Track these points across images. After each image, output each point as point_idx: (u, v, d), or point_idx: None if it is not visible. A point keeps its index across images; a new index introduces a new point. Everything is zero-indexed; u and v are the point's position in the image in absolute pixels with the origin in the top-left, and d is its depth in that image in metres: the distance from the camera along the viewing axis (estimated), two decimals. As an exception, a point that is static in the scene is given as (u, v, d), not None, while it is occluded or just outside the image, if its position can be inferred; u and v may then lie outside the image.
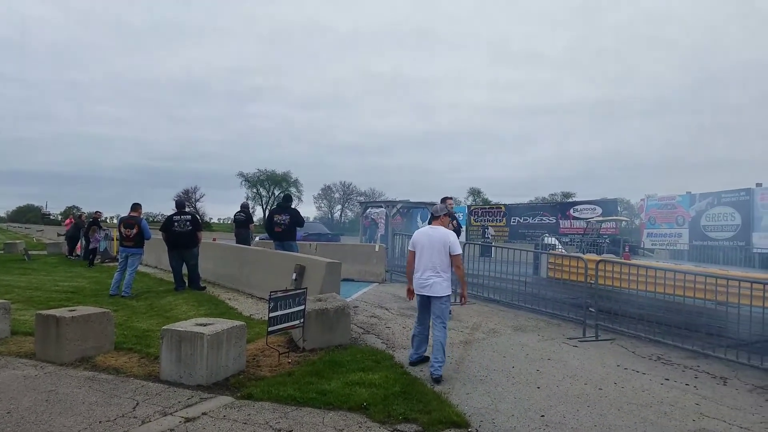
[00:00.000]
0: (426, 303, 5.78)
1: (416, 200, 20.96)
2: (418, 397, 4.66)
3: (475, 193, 73.66)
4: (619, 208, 35.04)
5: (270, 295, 5.68)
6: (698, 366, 6.27)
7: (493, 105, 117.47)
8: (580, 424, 4.32)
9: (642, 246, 24.02)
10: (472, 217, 33.04)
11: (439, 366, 5.39)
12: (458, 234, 8.64)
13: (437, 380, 5.28)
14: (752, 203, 19.91)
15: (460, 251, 5.79)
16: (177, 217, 10.80)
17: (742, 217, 20.20)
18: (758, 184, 20.06)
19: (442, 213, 6.00)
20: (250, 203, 68.89)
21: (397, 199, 22.05)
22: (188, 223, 10.80)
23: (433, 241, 5.71)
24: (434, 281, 5.62)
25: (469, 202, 63.62)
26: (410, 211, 23.35)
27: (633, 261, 11.77)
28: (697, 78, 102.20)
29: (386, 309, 9.12)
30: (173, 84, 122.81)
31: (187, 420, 4.12)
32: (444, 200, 8.64)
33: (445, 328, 5.61)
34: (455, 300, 8.32)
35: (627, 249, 20.40)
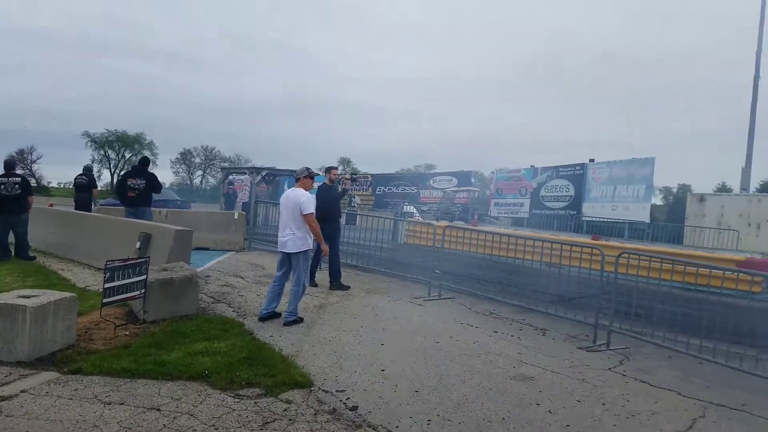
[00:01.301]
0: (285, 260, 6.27)
1: (283, 168, 20.57)
2: (264, 362, 4.67)
3: (345, 162, 74.23)
4: (473, 180, 37.52)
5: (106, 265, 5.28)
6: (524, 319, 7.05)
7: (366, 77, 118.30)
8: (415, 375, 4.65)
9: (489, 214, 26.06)
10: (341, 186, 33.41)
11: (290, 315, 6.02)
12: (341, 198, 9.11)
13: (288, 324, 5.95)
14: (585, 177, 22.43)
15: (309, 210, 6.12)
16: (4, 179, 9.51)
17: (575, 189, 22.71)
18: (591, 160, 22.63)
19: (302, 175, 6.39)
20: (96, 167, 62.45)
21: (263, 166, 21.44)
22: (17, 186, 9.56)
23: (289, 201, 6.19)
24: (289, 239, 6.12)
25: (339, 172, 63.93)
26: (276, 179, 22.90)
27: (477, 227, 12.74)
28: (546, 62, 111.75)
29: (241, 277, 8.93)
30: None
31: (2, 399, 3.72)
32: (328, 170, 8.89)
33: (300, 282, 6.10)
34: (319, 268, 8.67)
35: (476, 216, 22.05)
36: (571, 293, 7.68)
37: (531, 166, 25.43)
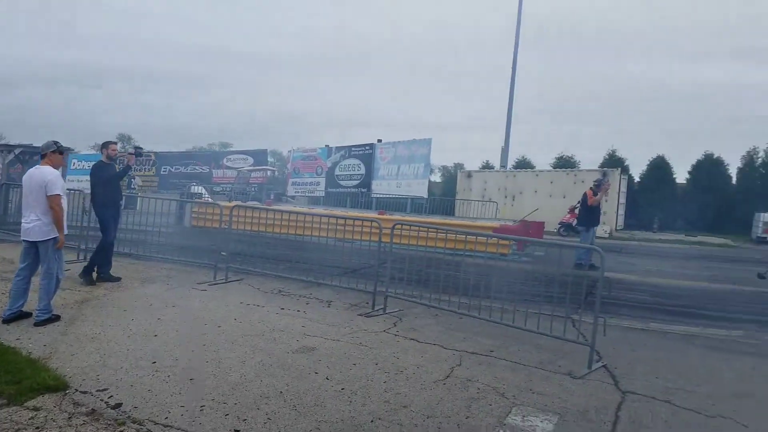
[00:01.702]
0: (30, 250, 5.41)
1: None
2: (6, 368, 3.98)
3: (124, 139, 66.86)
4: (270, 159, 37.06)
5: None
6: (311, 294, 7.19)
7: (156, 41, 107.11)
8: (191, 363, 4.40)
9: (287, 194, 26.08)
10: (118, 165, 30.03)
11: (42, 313, 5.25)
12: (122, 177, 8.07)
13: (40, 324, 5.19)
14: (374, 156, 23.69)
15: (56, 192, 5.29)
16: None
17: (365, 168, 23.87)
18: (379, 140, 23.97)
19: (48, 150, 5.49)
20: None
21: (15, 143, 18.11)
22: None
23: (33, 181, 5.32)
24: (34, 225, 5.28)
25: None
26: (35, 158, 19.63)
27: (271, 207, 12.62)
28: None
29: (-18, 275, 7.47)
30: None
31: None
32: (106, 145, 7.68)
33: (51, 275, 5.32)
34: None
35: (272, 197, 21.90)
36: (356, 265, 8.08)
37: (326, 145, 26.02)
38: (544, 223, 13.44)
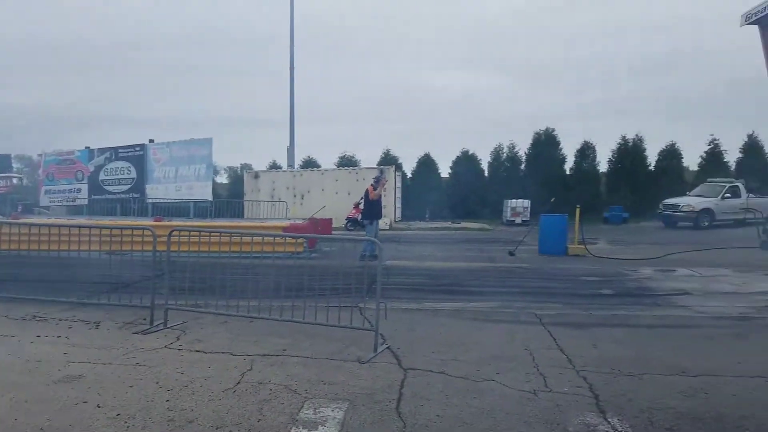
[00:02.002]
0: None
1: None
2: None
3: None
4: (16, 165, 31.52)
5: None
6: (74, 316, 6.29)
7: None
8: None
9: (39, 204, 22.47)
10: None
11: None
12: None
13: None
14: (146, 158, 21.72)
15: None
16: None
17: (137, 171, 21.76)
18: (151, 140, 22.05)
19: None
20: None
21: None
22: None
23: None
24: None
25: None
26: None
27: (19, 220, 10.74)
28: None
29: None
30: None
31: None
32: None
33: None
34: None
35: (19, 208, 18.63)
36: (129, 279, 7.30)
37: (86, 147, 23.02)
38: (332, 219, 13.91)
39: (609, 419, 3.59)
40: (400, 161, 28.37)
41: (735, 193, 20.11)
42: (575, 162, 27.50)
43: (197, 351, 5.07)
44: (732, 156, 26.57)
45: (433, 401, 3.91)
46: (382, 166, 23.97)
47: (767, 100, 16.08)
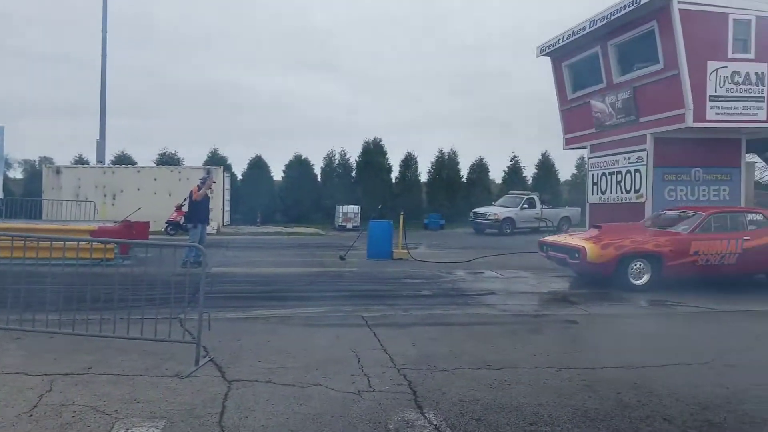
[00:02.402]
0: None
1: None
2: None
3: None
4: None
5: None
6: None
7: None
8: None
9: None
10: None
11: None
12: None
13: None
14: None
15: None
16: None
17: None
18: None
19: None
20: None
21: None
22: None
23: None
24: None
25: None
26: None
27: None
28: None
29: None
30: None
31: None
32: None
33: None
34: None
35: None
36: None
37: None
38: (149, 222, 12.84)
39: (425, 414, 3.87)
40: (229, 162, 27.37)
41: (531, 203, 23.18)
42: (400, 171, 29.26)
43: (-17, 373, 4.34)
44: (529, 171, 30.66)
45: (258, 411, 3.85)
46: (209, 166, 22.90)
47: (557, 124, 18.84)
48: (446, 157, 29.55)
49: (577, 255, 9.57)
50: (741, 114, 14.60)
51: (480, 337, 6.20)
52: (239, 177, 27.75)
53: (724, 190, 16.31)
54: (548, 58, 19.44)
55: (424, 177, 29.67)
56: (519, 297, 8.93)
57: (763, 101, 14.70)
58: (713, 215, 9.89)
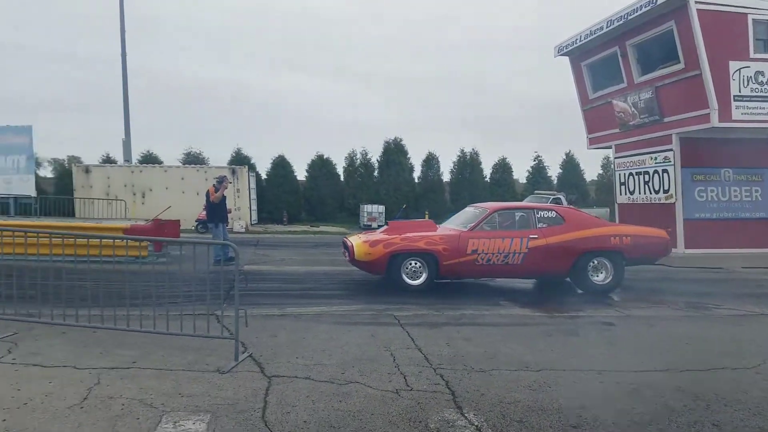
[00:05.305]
0: None
1: None
2: None
3: None
4: None
5: None
6: None
7: None
8: None
9: None
10: None
11: None
12: None
13: None
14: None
15: None
16: None
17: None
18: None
19: None
20: None
21: None
22: None
23: None
24: None
25: None
26: None
27: None
28: None
29: None
30: None
31: None
32: None
33: None
34: None
35: None
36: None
37: None
38: (179, 221, 13.04)
39: (466, 414, 3.86)
40: (253, 161, 27.62)
41: (558, 203, 22.92)
42: (422, 171, 29.21)
43: (34, 365, 4.49)
44: (553, 171, 30.35)
45: (299, 407, 3.88)
46: (234, 166, 23.15)
47: (580, 123, 18.65)
48: (468, 157, 29.42)
49: (347, 252, 9.20)
50: (768, 114, 14.30)
51: (515, 338, 6.15)
52: (264, 176, 27.97)
53: (756, 191, 15.95)
54: (566, 58, 19.23)
55: (446, 177, 29.61)
56: (552, 297, 8.85)
57: (789, 101, 14.38)
58: (498, 212, 9.17)
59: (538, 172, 29.95)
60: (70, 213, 18.78)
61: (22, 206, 17.83)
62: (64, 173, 25.51)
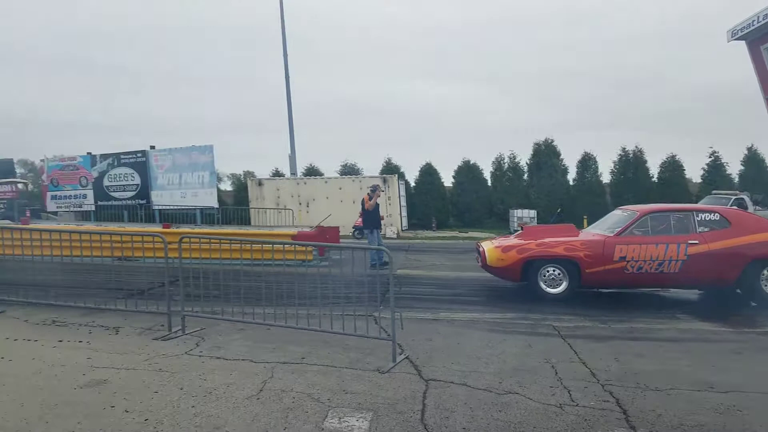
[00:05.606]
0: None
1: None
2: None
3: None
4: (20, 170, 31.56)
5: None
6: (93, 321, 6.29)
7: None
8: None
9: (46, 209, 22.50)
10: None
11: None
12: None
13: None
14: (148, 164, 21.74)
15: None
16: None
17: (141, 177, 21.78)
18: (152, 147, 22.08)
19: None
20: None
21: None
22: None
23: None
24: None
25: None
26: None
27: (29, 225, 10.73)
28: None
29: None
30: None
31: None
32: None
33: None
34: None
35: (28, 214, 18.62)
36: (144, 285, 7.29)
37: (88, 153, 23.07)
38: (339, 227, 13.87)
39: (640, 434, 3.54)
40: (402, 170, 28.35)
41: (741, 204, 20.07)
42: (578, 172, 27.51)
43: (217, 357, 5.04)
44: (734, 168, 26.64)
45: (457, 413, 3.87)
46: (385, 175, 23.99)
47: (763, 113, 16.03)
48: (631, 156, 27.04)
49: (479, 258, 8.53)
50: None
51: (695, 355, 5.50)
52: (412, 184, 28.57)
53: None
54: (743, 42, 16.77)
55: (605, 178, 27.53)
56: (736, 311, 7.76)
57: None
58: (649, 215, 8.25)
59: (715, 169, 26.50)
60: (246, 221, 20.98)
61: (206, 216, 20.34)
62: (240, 186, 28.62)
